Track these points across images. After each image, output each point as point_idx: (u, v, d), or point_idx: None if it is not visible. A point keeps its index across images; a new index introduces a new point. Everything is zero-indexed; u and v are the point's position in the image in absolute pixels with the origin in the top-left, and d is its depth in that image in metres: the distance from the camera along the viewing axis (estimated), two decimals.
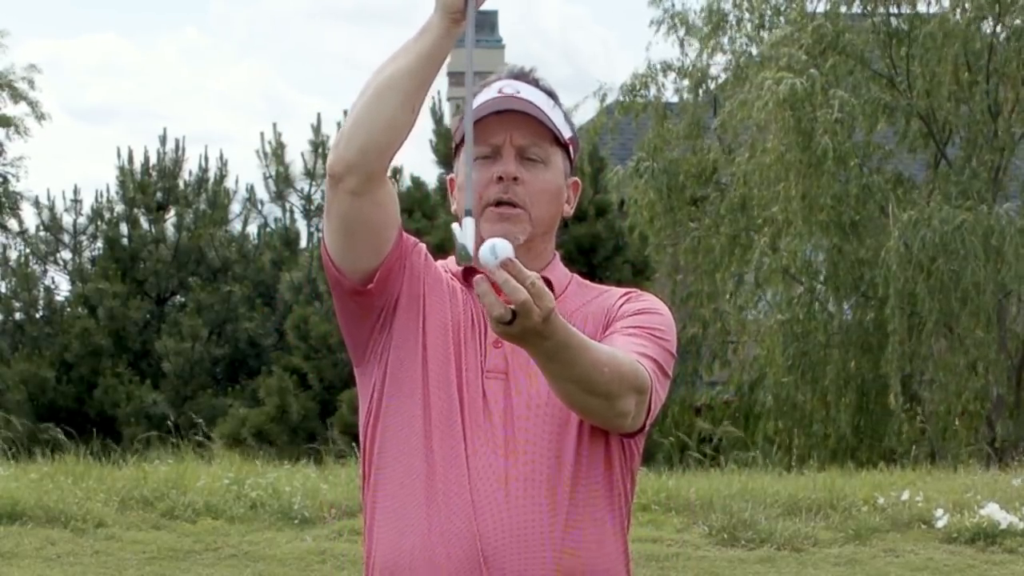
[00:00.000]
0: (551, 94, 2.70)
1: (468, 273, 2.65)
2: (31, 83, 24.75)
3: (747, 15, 19.97)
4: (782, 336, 18.10)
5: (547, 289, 2.31)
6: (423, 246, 2.69)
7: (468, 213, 2.37)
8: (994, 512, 10.40)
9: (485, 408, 2.57)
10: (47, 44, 49.11)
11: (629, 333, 2.60)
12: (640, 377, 2.50)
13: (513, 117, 2.63)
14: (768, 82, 17.38)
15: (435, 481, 2.54)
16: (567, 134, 2.70)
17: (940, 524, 10.40)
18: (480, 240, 2.37)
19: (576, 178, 2.76)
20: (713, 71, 20.74)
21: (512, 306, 2.27)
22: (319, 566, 9.46)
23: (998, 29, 18.44)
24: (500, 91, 2.66)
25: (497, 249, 2.28)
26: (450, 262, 2.72)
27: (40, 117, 24.86)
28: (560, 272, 2.72)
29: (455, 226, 2.36)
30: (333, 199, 2.54)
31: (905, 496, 10.83)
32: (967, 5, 18.42)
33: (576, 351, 2.39)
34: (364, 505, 2.66)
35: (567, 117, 2.73)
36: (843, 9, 18.97)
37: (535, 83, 2.69)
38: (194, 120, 50.43)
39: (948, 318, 17.12)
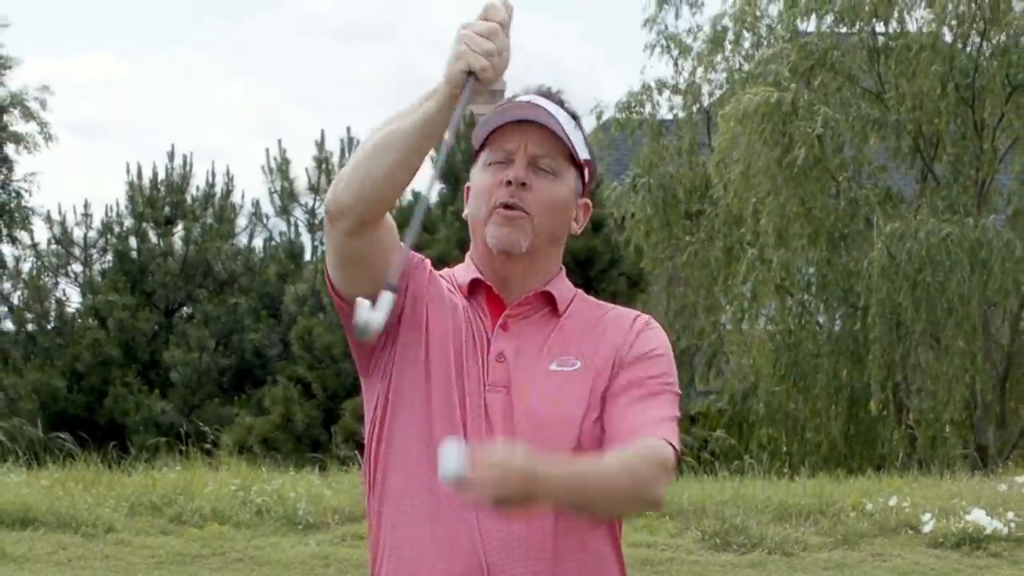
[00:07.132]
0: (574, 116, 2.71)
1: (472, 286, 2.70)
2: (43, 103, 24.93)
3: (746, 32, 20.19)
4: (774, 346, 18.19)
5: (517, 461, 2.31)
6: (427, 262, 2.70)
7: (391, 288, 2.40)
8: (979, 518, 10.47)
9: (487, 421, 2.58)
10: (45, 63, 49.29)
11: (641, 396, 2.59)
12: (664, 463, 2.52)
13: (531, 127, 2.64)
14: (747, 96, 17.58)
15: (439, 493, 2.54)
16: (583, 155, 2.69)
17: (926, 529, 10.48)
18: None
19: (588, 200, 2.76)
20: (707, 89, 20.97)
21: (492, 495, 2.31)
22: (323, 570, 9.54)
23: (983, 46, 18.62)
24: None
25: (458, 464, 2.30)
26: (454, 274, 2.73)
27: (48, 138, 25.02)
28: (564, 287, 2.71)
29: (361, 300, 2.38)
30: (330, 235, 2.57)
31: (893, 502, 10.90)
32: (953, 22, 18.52)
33: (589, 493, 2.42)
34: (369, 514, 2.68)
35: (587, 141, 2.73)
36: (830, 27, 19.00)
37: (560, 103, 2.70)
38: (189, 137, 50.34)
39: (935, 328, 17.16)
